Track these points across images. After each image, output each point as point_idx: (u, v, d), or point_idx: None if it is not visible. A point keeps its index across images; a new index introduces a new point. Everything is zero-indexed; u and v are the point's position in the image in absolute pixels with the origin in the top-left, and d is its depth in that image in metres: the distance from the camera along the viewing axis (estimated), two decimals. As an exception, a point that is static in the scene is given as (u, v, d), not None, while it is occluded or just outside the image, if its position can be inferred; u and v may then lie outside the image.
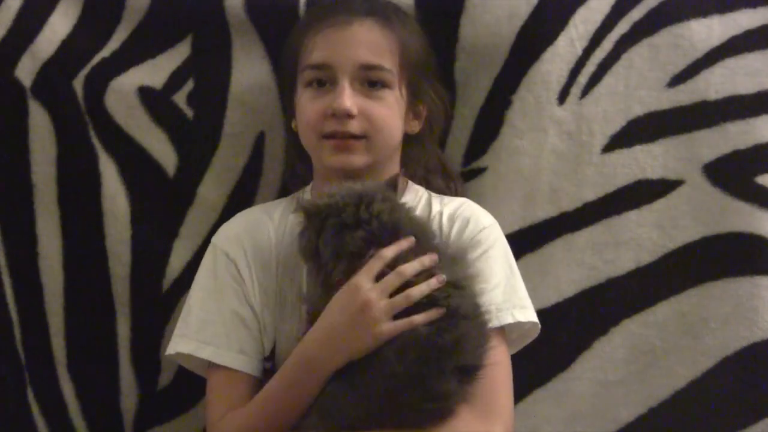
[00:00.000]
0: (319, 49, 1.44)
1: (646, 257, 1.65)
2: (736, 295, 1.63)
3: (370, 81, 1.44)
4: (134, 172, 1.62)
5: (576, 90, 1.63)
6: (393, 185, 1.39)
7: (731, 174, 1.62)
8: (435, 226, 1.46)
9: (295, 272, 1.46)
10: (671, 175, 1.64)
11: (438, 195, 1.54)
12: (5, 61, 1.61)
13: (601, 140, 1.64)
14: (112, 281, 1.64)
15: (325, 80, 1.44)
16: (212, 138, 1.62)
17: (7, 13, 1.62)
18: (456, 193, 1.58)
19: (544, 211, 1.65)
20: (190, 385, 1.65)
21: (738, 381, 1.64)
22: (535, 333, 1.48)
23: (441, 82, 1.57)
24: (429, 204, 1.51)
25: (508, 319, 1.42)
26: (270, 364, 1.45)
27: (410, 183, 1.54)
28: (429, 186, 1.57)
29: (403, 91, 1.47)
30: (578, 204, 1.64)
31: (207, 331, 1.44)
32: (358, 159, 1.44)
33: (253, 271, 1.45)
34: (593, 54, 1.63)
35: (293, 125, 1.52)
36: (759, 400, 1.65)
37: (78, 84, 1.61)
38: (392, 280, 1.29)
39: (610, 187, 1.64)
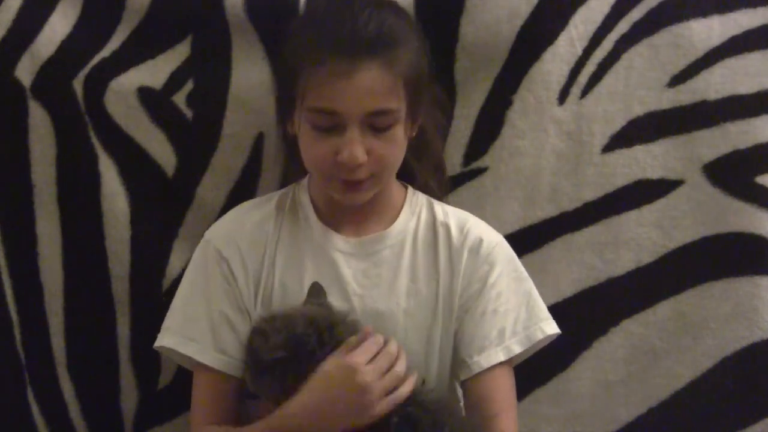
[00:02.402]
0: (324, 95, 1.34)
1: (646, 257, 1.65)
2: (736, 295, 1.63)
3: (377, 126, 1.37)
4: (134, 173, 1.62)
5: (576, 90, 1.63)
6: (317, 293, 1.39)
7: (731, 174, 1.63)
8: (442, 237, 1.47)
9: (298, 266, 1.45)
10: (671, 175, 1.64)
11: (438, 202, 1.53)
12: (5, 61, 1.61)
13: (601, 140, 1.64)
14: (112, 281, 1.64)
15: (330, 125, 1.36)
16: (211, 138, 1.62)
17: (7, 13, 1.61)
18: (445, 193, 1.59)
19: (544, 211, 1.65)
20: (190, 385, 1.65)
21: (738, 381, 1.65)
22: (550, 339, 1.49)
23: (434, 82, 1.52)
24: (431, 210, 1.51)
25: (538, 336, 1.46)
26: None
27: (409, 189, 1.53)
28: (424, 186, 1.56)
29: (408, 118, 1.41)
30: (578, 204, 1.65)
31: (191, 327, 1.44)
32: (367, 195, 1.42)
33: (249, 270, 1.45)
34: (593, 54, 1.63)
35: (288, 129, 1.47)
36: (759, 400, 1.66)
37: (78, 84, 1.61)
38: (384, 361, 1.29)
39: (610, 187, 1.64)
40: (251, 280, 1.45)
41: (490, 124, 1.64)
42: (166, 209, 1.63)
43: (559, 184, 1.64)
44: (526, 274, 1.50)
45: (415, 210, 1.50)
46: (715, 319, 1.64)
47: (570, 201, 1.65)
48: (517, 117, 1.64)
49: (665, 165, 1.64)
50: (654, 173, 1.64)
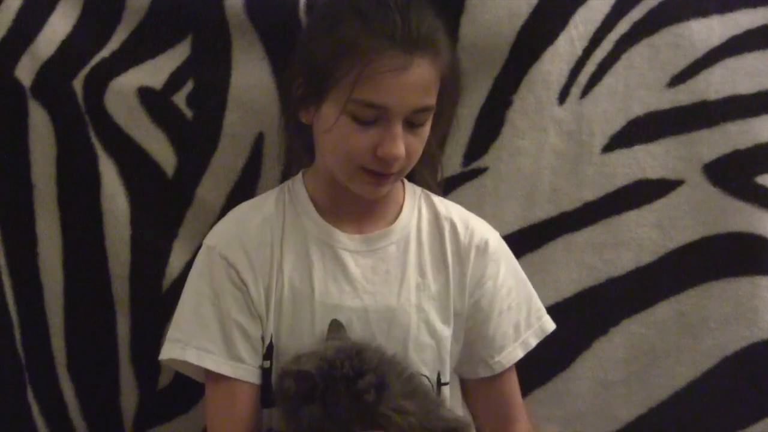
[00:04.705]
0: (377, 88, 1.33)
1: (646, 257, 1.65)
2: (736, 295, 1.64)
3: (415, 122, 1.38)
4: (134, 173, 1.62)
5: (576, 90, 1.63)
6: (337, 329, 1.37)
7: (731, 174, 1.63)
8: (448, 233, 1.47)
9: (306, 266, 1.43)
10: (671, 175, 1.64)
11: (433, 195, 1.53)
12: (5, 61, 1.61)
13: (601, 140, 1.64)
14: (112, 281, 1.64)
15: (374, 118, 1.36)
16: (211, 139, 1.62)
17: (7, 13, 1.61)
18: (438, 188, 1.59)
19: (544, 211, 1.65)
20: (190, 385, 1.64)
21: (738, 381, 1.65)
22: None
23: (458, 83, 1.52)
24: (431, 203, 1.51)
25: (549, 327, 1.51)
26: (267, 362, 1.43)
27: (407, 183, 1.53)
28: (415, 177, 1.55)
29: (435, 116, 1.43)
30: (578, 204, 1.65)
31: (204, 338, 1.41)
32: (387, 189, 1.43)
33: (258, 274, 1.42)
34: (593, 54, 1.63)
35: (303, 117, 1.44)
36: (759, 400, 1.66)
37: (78, 84, 1.61)
38: None
39: (610, 187, 1.64)
40: (261, 284, 1.42)
41: (490, 124, 1.64)
42: (166, 209, 1.63)
43: (559, 184, 1.65)
44: (519, 266, 1.53)
45: (415, 204, 1.50)
46: (715, 319, 1.64)
47: (570, 201, 1.65)
48: (517, 117, 1.64)
49: (665, 165, 1.64)
50: (654, 173, 1.64)
